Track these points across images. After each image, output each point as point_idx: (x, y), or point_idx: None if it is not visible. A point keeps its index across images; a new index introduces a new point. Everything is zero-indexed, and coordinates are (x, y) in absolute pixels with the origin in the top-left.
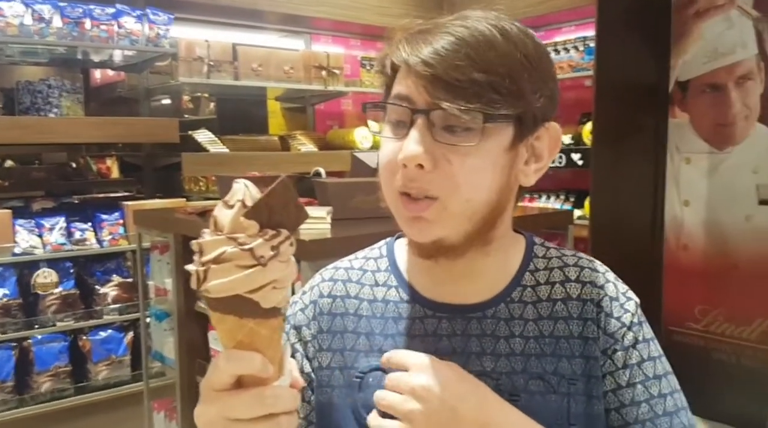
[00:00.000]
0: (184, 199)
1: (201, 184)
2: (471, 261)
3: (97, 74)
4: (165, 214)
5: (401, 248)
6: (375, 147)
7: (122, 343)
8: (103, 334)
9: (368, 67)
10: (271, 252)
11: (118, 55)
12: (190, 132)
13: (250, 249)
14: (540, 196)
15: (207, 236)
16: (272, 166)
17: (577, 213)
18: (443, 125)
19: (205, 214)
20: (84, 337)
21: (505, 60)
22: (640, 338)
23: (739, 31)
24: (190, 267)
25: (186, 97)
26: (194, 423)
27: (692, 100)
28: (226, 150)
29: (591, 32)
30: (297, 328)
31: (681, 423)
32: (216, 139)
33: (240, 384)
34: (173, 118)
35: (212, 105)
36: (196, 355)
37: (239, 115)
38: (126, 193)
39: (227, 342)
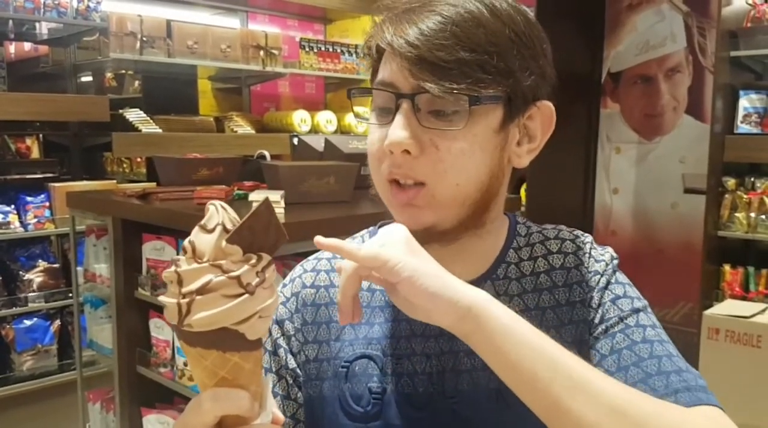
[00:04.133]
0: (114, 182)
1: (125, 165)
2: (462, 245)
3: (19, 47)
4: (101, 196)
5: None
6: (313, 130)
7: (48, 332)
8: (27, 323)
9: (307, 49)
10: (257, 279)
11: (42, 28)
12: (120, 111)
13: (237, 277)
14: None
15: (184, 264)
16: (208, 148)
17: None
18: (429, 109)
19: (146, 196)
20: (7, 326)
21: (494, 38)
22: (613, 281)
23: (669, 25)
24: (166, 299)
25: (109, 75)
26: (134, 414)
27: (623, 91)
28: (159, 130)
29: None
30: (279, 323)
31: (666, 350)
32: (148, 118)
33: (220, 425)
34: (103, 96)
35: (137, 83)
36: (136, 344)
37: (167, 94)
38: (50, 175)
39: (207, 380)
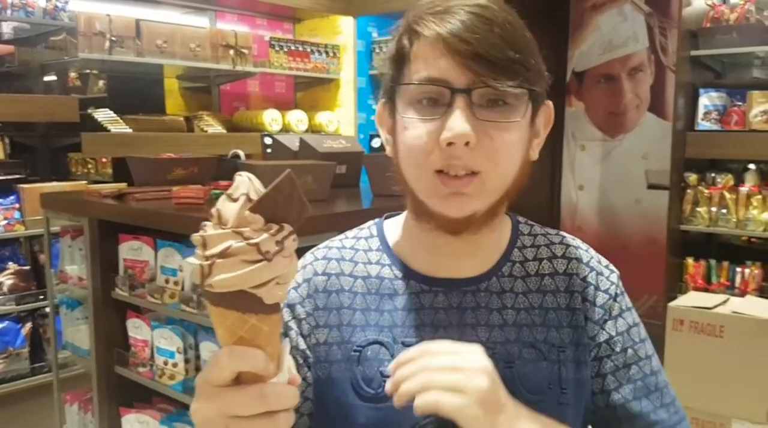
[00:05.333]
0: (85, 183)
1: (89, 166)
2: (478, 239)
3: None
4: (77, 197)
5: (391, 228)
6: (284, 130)
7: (20, 335)
8: None
9: (277, 48)
10: (276, 248)
11: (7, 27)
12: (89, 110)
13: (256, 244)
14: None
15: (210, 229)
16: (178, 148)
17: None
18: (481, 102)
19: (122, 197)
20: None
21: (526, 40)
22: (624, 307)
23: (632, 25)
24: (192, 260)
25: (73, 74)
26: (112, 414)
27: (587, 90)
28: (129, 130)
29: None
30: (290, 306)
31: (663, 380)
32: (117, 118)
33: (238, 380)
34: (73, 96)
35: (101, 82)
36: (113, 344)
37: (133, 93)
38: (17, 176)
39: (228, 338)
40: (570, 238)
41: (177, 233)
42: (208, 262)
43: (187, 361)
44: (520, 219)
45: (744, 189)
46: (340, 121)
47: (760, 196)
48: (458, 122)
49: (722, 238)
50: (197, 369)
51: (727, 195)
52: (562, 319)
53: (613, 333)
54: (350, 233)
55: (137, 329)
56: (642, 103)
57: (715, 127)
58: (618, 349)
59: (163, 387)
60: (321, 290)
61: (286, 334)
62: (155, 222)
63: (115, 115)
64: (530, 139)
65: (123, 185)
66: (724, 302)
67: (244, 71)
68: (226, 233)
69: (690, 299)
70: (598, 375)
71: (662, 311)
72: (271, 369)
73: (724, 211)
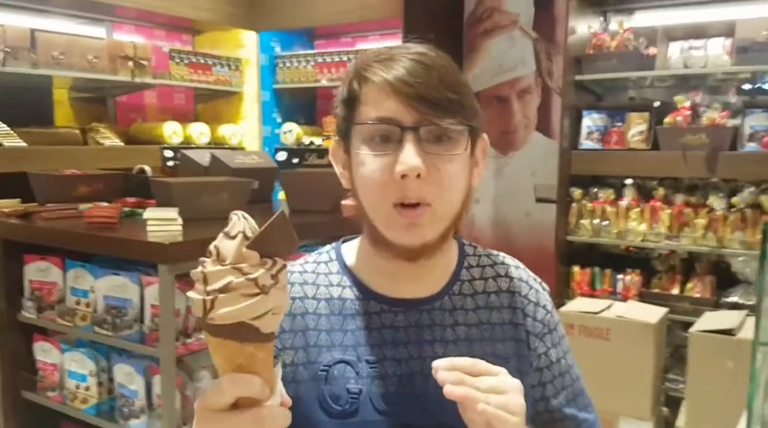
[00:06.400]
0: None
1: None
2: (430, 262)
3: None
4: None
5: (348, 252)
6: (186, 142)
7: None
8: None
9: (178, 60)
10: (272, 281)
11: None
12: None
13: (255, 279)
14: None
15: (210, 266)
16: (75, 162)
17: None
18: (428, 138)
19: (27, 216)
20: None
21: (461, 82)
22: (556, 320)
23: (520, 50)
24: (192, 294)
25: None
26: None
27: (481, 110)
28: (23, 143)
29: (396, 41)
30: None
31: (583, 384)
32: (11, 131)
33: (236, 404)
34: None
35: None
36: (19, 367)
37: (21, 104)
38: None
39: (226, 366)
40: (510, 259)
41: (87, 253)
42: (211, 297)
43: (99, 384)
44: (465, 241)
45: (623, 202)
46: (243, 134)
47: (638, 209)
48: (410, 156)
49: (604, 248)
50: (110, 392)
51: (609, 208)
52: (506, 333)
53: (550, 345)
54: (310, 258)
55: (46, 352)
56: (530, 123)
57: (597, 145)
58: (554, 359)
59: (75, 411)
60: (286, 314)
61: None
62: (66, 242)
63: (8, 128)
64: (471, 169)
65: (10, 202)
66: (609, 307)
67: (143, 83)
68: (226, 269)
69: (578, 304)
70: (539, 383)
71: None
72: (267, 393)
73: (606, 223)
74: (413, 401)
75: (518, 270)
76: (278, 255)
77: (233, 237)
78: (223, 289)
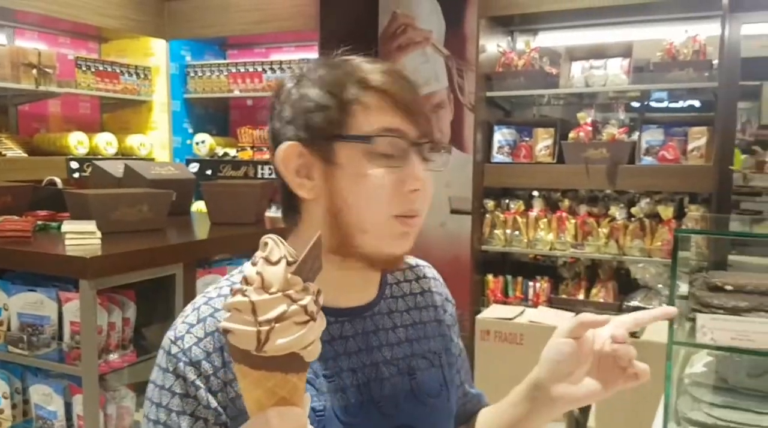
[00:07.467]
0: None
1: None
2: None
3: None
4: None
5: None
6: (92, 153)
7: None
8: None
9: (84, 68)
10: (316, 307)
11: None
12: None
13: (304, 306)
14: (270, 207)
15: (254, 294)
16: None
17: None
18: (426, 152)
19: None
20: None
21: None
22: (455, 311)
23: (433, 66)
24: (239, 326)
25: None
26: None
27: None
28: None
29: (311, 54)
30: (195, 364)
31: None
32: None
33: None
34: None
35: None
36: None
37: None
38: None
39: (266, 400)
40: (423, 262)
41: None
42: (266, 328)
43: (14, 406)
44: None
45: (533, 213)
46: (153, 145)
47: (546, 220)
48: (420, 171)
49: (515, 256)
50: (25, 414)
51: (519, 219)
52: (435, 330)
53: (457, 335)
54: (240, 275)
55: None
56: (444, 137)
57: (507, 159)
58: (461, 347)
59: None
60: None
61: (187, 395)
62: None
63: None
64: None
65: None
66: (521, 313)
67: (48, 91)
68: (278, 297)
69: (493, 311)
70: (457, 371)
71: (469, 324)
72: (308, 426)
73: (517, 232)
74: (373, 408)
75: (429, 269)
76: (309, 279)
77: (276, 263)
78: (279, 319)
